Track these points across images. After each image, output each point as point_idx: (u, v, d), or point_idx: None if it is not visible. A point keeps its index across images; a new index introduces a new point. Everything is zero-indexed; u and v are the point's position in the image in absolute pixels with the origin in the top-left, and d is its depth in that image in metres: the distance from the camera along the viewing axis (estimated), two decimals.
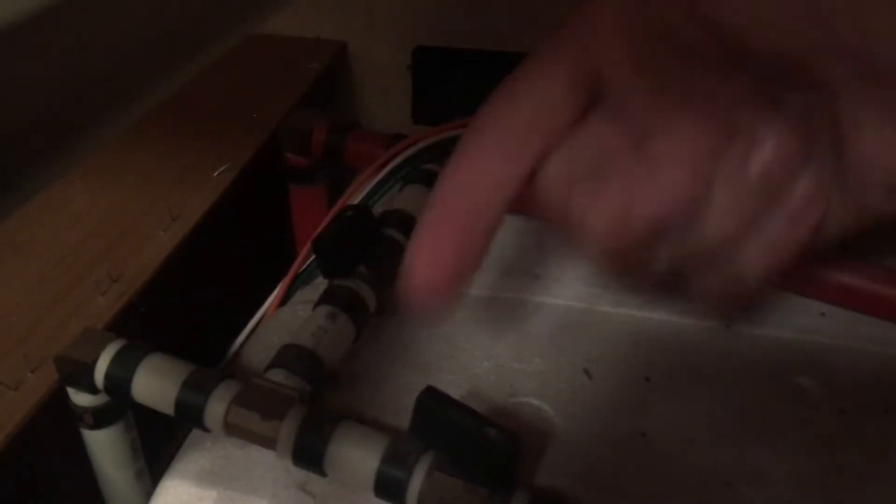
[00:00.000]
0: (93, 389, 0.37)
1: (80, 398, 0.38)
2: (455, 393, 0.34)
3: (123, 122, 0.16)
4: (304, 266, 0.46)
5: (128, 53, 0.15)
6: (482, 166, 0.23)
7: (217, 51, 0.19)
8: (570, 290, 0.45)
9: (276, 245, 0.62)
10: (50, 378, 0.39)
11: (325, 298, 0.40)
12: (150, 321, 0.46)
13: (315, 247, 0.41)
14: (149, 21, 0.16)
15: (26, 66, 0.13)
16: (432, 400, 0.33)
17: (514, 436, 0.31)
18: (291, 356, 0.37)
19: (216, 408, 0.34)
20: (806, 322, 0.43)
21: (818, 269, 0.43)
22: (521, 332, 0.43)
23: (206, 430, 0.35)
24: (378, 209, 0.46)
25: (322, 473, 0.33)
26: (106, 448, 0.39)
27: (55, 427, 0.40)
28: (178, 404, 0.35)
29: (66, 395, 0.38)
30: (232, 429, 0.34)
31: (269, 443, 0.34)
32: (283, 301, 0.46)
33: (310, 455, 0.33)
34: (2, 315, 0.43)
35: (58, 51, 0.13)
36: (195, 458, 0.37)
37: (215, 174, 0.55)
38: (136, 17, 0.15)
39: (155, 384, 0.36)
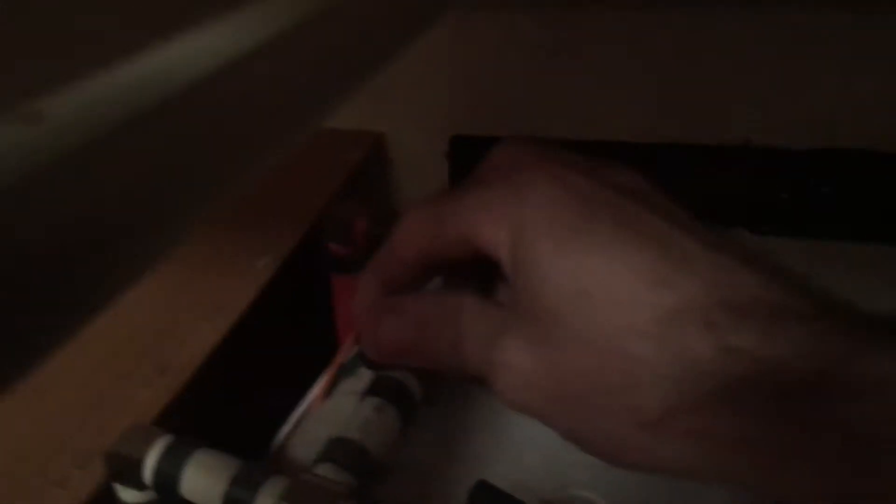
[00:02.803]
0: (140, 486, 0.37)
1: (128, 495, 0.37)
2: (505, 485, 0.34)
3: (191, 224, 0.16)
4: (349, 356, 0.46)
5: (196, 164, 0.16)
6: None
7: (280, 154, 0.20)
8: None
9: (320, 334, 0.62)
10: (97, 475, 0.39)
11: (372, 390, 0.40)
12: (196, 413, 0.46)
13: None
14: (217, 131, 0.16)
15: (93, 180, 0.13)
16: (485, 495, 0.32)
17: None
18: (339, 450, 0.36)
19: None
20: None
21: None
22: None
23: None
24: None
25: None
26: None
27: None
28: (227, 501, 0.34)
29: (112, 492, 0.38)
30: None
31: None
32: (329, 391, 0.45)
33: None
34: (49, 411, 0.43)
35: (135, 166, 0.14)
36: None
37: (258, 265, 0.55)
38: (203, 132, 0.16)
39: (203, 481, 0.35)
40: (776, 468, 0.19)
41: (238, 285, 0.54)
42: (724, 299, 0.20)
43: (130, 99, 0.14)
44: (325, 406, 0.44)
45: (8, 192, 0.11)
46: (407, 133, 0.72)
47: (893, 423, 0.18)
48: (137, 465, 0.36)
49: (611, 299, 0.20)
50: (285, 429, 0.44)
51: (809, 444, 0.19)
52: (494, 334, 0.23)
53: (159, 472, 0.36)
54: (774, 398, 0.19)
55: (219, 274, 0.55)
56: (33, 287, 0.12)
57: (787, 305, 0.20)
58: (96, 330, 0.51)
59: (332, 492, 0.34)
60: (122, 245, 0.14)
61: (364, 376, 0.44)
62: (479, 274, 0.25)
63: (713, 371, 0.19)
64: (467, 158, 0.70)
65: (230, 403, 0.51)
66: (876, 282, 0.53)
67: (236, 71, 0.16)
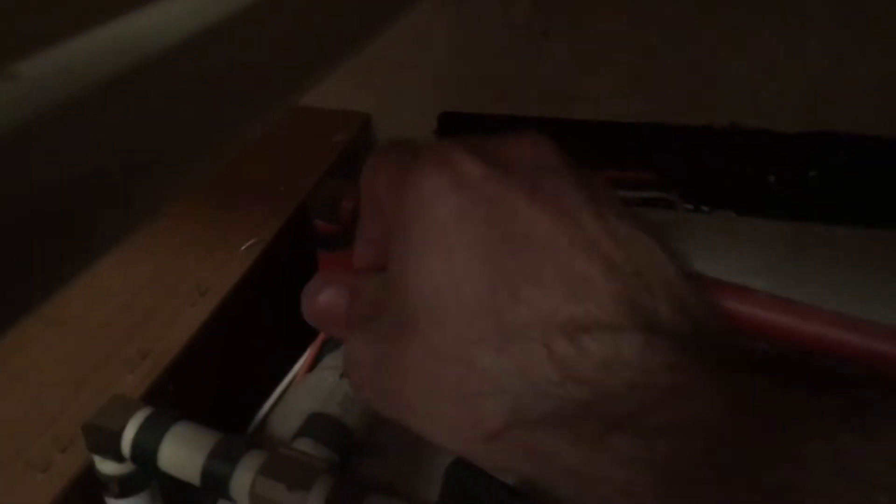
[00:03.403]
0: (119, 458, 0.37)
1: (107, 466, 0.37)
2: None
3: (168, 197, 0.16)
4: None
5: (172, 134, 0.16)
6: None
7: (257, 129, 0.19)
8: None
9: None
10: (79, 458, 0.38)
11: None
12: (178, 397, 0.46)
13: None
14: (193, 104, 0.16)
15: (75, 143, 0.13)
16: (462, 472, 0.32)
17: None
18: (319, 425, 0.36)
19: (242, 478, 0.34)
20: None
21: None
22: None
23: (231, 500, 0.35)
24: None
25: None
26: None
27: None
28: (205, 474, 0.34)
29: (94, 476, 0.38)
30: (258, 499, 0.34)
31: None
32: (312, 366, 0.45)
33: None
34: (32, 394, 0.43)
35: (108, 129, 0.14)
36: None
37: (242, 248, 0.55)
38: (180, 103, 0.15)
39: (181, 453, 0.35)
40: (601, 501, 0.19)
41: (223, 267, 0.53)
42: (568, 319, 0.20)
43: (106, 62, 0.14)
44: (306, 381, 0.44)
45: None
46: (394, 113, 0.72)
47: (708, 463, 0.18)
48: (116, 437, 0.36)
49: (461, 306, 0.20)
50: (268, 402, 0.44)
51: (633, 480, 0.18)
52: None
53: (138, 445, 0.36)
54: (604, 430, 0.19)
55: (204, 256, 0.55)
56: (5, 243, 0.12)
57: (625, 332, 0.19)
58: (79, 312, 0.51)
59: (310, 466, 0.34)
60: (95, 206, 0.14)
61: None
62: None
63: (552, 394, 0.19)
64: (456, 136, 0.70)
65: (214, 385, 0.51)
66: (861, 264, 0.53)
67: (213, 38, 0.16)
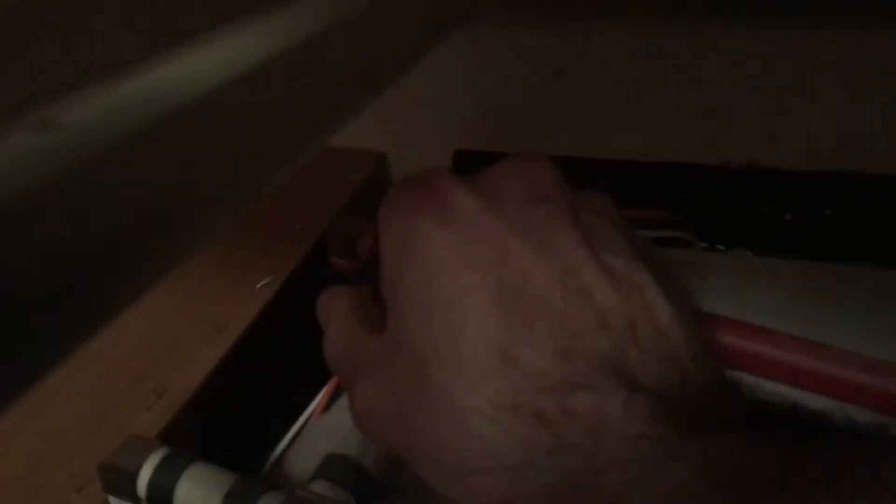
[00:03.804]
0: (135, 499, 0.36)
1: None
2: None
3: (200, 241, 0.16)
4: None
5: (208, 180, 0.16)
6: None
7: (297, 164, 0.20)
8: None
9: (321, 347, 0.61)
10: (95, 498, 0.38)
11: None
12: (194, 435, 0.45)
13: None
14: (233, 142, 0.16)
15: (104, 192, 0.13)
16: None
17: None
18: (336, 467, 0.36)
19: None
20: None
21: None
22: None
23: None
24: None
25: None
26: None
27: None
28: None
29: None
30: None
31: None
32: (328, 405, 0.45)
33: None
34: (46, 432, 0.43)
35: (147, 176, 0.14)
36: None
37: (258, 286, 0.55)
38: (217, 149, 0.16)
39: (197, 495, 0.35)
40: None
41: (240, 305, 0.53)
42: (558, 380, 0.19)
43: (146, 108, 0.14)
44: (322, 420, 0.44)
45: (20, 200, 0.11)
46: (410, 151, 0.72)
47: None
48: (132, 477, 0.36)
49: (459, 370, 0.20)
50: (283, 442, 0.44)
51: None
52: (365, 359, 0.23)
53: (153, 485, 0.35)
54: (603, 498, 0.18)
55: (220, 293, 0.55)
56: (41, 296, 0.12)
57: (610, 392, 0.19)
58: (93, 350, 0.51)
59: None
60: (135, 255, 0.14)
61: None
62: None
63: (546, 465, 0.19)
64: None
65: (230, 424, 0.51)
66: (878, 304, 0.52)
67: (254, 81, 0.16)
